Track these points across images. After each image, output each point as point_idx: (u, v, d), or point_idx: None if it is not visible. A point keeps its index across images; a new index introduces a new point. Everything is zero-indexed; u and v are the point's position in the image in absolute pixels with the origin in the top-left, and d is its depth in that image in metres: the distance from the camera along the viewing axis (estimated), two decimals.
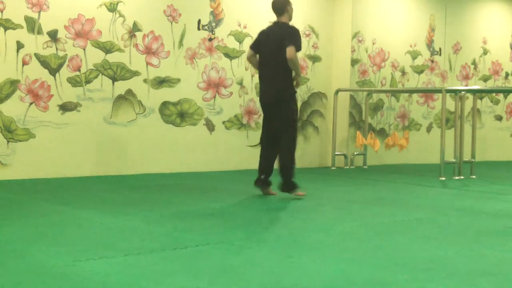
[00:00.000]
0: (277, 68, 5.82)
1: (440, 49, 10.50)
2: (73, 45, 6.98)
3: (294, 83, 5.91)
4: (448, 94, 8.69)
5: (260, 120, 8.52)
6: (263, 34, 6.07)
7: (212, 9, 8.06)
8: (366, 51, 9.53)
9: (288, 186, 5.80)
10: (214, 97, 8.10)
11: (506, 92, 11.11)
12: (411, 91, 9.94)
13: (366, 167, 9.21)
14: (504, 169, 9.62)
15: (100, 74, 7.17)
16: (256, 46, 6.06)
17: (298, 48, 5.77)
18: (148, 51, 7.51)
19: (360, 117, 9.47)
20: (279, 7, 6.03)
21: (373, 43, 9.61)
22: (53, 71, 6.86)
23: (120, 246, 3.58)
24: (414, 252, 3.63)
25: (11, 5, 6.59)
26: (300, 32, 5.95)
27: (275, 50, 5.82)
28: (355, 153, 9.23)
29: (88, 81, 7.09)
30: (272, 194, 5.94)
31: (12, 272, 2.99)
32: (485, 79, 11.17)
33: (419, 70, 10.23)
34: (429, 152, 10.10)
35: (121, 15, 7.29)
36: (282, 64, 5.77)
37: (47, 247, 3.51)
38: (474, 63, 11.01)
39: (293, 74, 5.89)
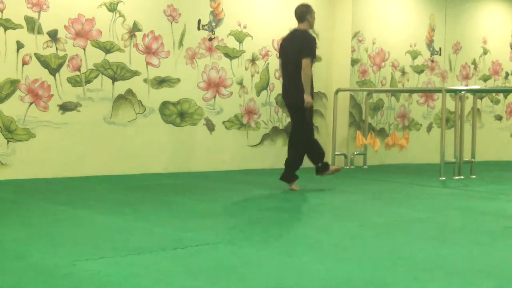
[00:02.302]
0: (293, 73, 6.21)
1: (440, 49, 10.50)
2: (73, 45, 6.98)
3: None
4: (448, 94, 8.69)
5: (260, 120, 8.55)
6: (284, 41, 6.48)
7: (212, 9, 8.06)
8: (366, 51, 9.53)
9: (287, 176, 6.32)
10: (214, 97, 8.10)
11: (506, 92, 11.11)
12: (411, 91, 9.94)
13: (366, 167, 9.22)
14: (504, 169, 9.62)
15: (100, 74, 7.17)
16: (281, 53, 6.48)
17: (312, 56, 6.18)
18: (148, 51, 7.51)
19: (360, 117, 9.47)
20: (300, 14, 6.38)
21: (373, 43, 9.61)
22: (53, 71, 6.86)
23: (120, 246, 3.58)
24: (414, 252, 3.63)
25: (11, 5, 6.59)
26: (314, 39, 6.33)
27: (292, 57, 6.23)
28: (355, 153, 9.23)
29: (88, 81, 7.09)
30: (293, 189, 6.29)
31: (12, 272, 2.99)
32: (485, 79, 11.17)
33: (419, 70, 10.23)
34: (429, 152, 10.10)
35: (121, 15, 7.29)
36: (297, 70, 6.15)
37: (47, 247, 3.51)
38: (474, 63, 11.01)
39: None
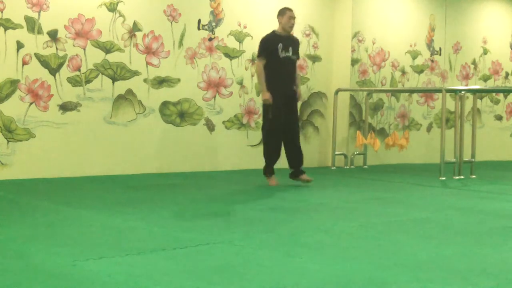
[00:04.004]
0: None
1: (440, 48, 10.50)
2: (73, 45, 6.98)
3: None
4: (448, 94, 8.69)
5: (260, 120, 8.55)
6: None
7: (212, 9, 8.06)
8: (366, 51, 9.53)
9: (263, 170, 6.72)
10: (214, 97, 8.10)
11: (506, 92, 11.11)
12: (411, 91, 9.94)
13: (366, 167, 9.22)
14: (504, 169, 9.62)
15: (100, 74, 7.17)
16: None
17: (259, 54, 6.56)
18: (148, 51, 7.51)
19: (360, 117, 9.47)
20: None
21: (373, 43, 9.61)
22: (53, 71, 6.86)
23: (120, 246, 3.58)
24: (414, 252, 3.63)
25: (11, 5, 6.59)
26: (266, 39, 6.60)
27: None
28: (355, 153, 9.23)
29: (88, 81, 7.09)
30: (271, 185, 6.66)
31: (12, 272, 2.99)
32: (485, 79, 11.17)
33: (419, 70, 10.23)
34: (429, 152, 10.10)
35: (121, 15, 7.29)
36: None
37: (47, 247, 3.51)
38: (474, 63, 11.01)
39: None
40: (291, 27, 6.64)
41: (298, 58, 6.73)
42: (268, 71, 6.47)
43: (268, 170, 6.63)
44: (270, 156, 6.59)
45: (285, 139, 6.61)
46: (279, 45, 6.48)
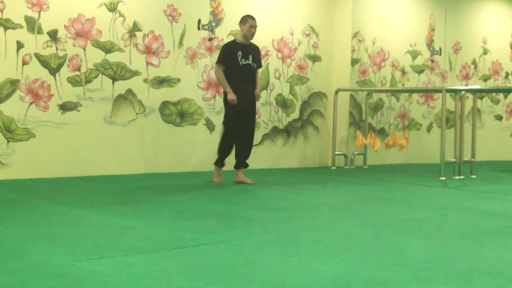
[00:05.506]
0: None
1: (440, 48, 10.50)
2: (73, 45, 6.98)
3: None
4: (448, 94, 8.69)
5: (260, 120, 8.55)
6: None
7: (212, 9, 8.06)
8: (366, 51, 9.53)
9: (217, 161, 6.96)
10: (214, 96, 8.10)
11: (506, 91, 11.12)
12: (411, 91, 9.94)
13: (366, 166, 9.22)
14: (504, 169, 9.62)
15: (100, 74, 7.17)
16: None
17: (218, 61, 6.76)
18: (148, 51, 7.51)
19: (360, 117, 9.47)
20: None
21: (373, 43, 9.61)
22: (53, 71, 6.86)
23: (120, 246, 3.58)
24: (414, 252, 3.63)
25: (11, 5, 6.58)
26: (227, 47, 6.80)
27: None
28: (355, 153, 9.23)
29: (88, 81, 7.09)
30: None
31: (12, 272, 2.99)
32: (485, 78, 11.18)
33: (419, 70, 10.23)
34: (429, 152, 10.10)
35: (121, 15, 7.29)
36: None
37: (47, 247, 3.51)
38: (474, 62, 11.01)
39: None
40: (252, 35, 6.83)
41: (259, 66, 6.95)
42: (229, 78, 6.67)
43: (221, 162, 6.91)
44: (225, 151, 6.86)
45: (242, 140, 6.83)
46: (239, 53, 6.70)
